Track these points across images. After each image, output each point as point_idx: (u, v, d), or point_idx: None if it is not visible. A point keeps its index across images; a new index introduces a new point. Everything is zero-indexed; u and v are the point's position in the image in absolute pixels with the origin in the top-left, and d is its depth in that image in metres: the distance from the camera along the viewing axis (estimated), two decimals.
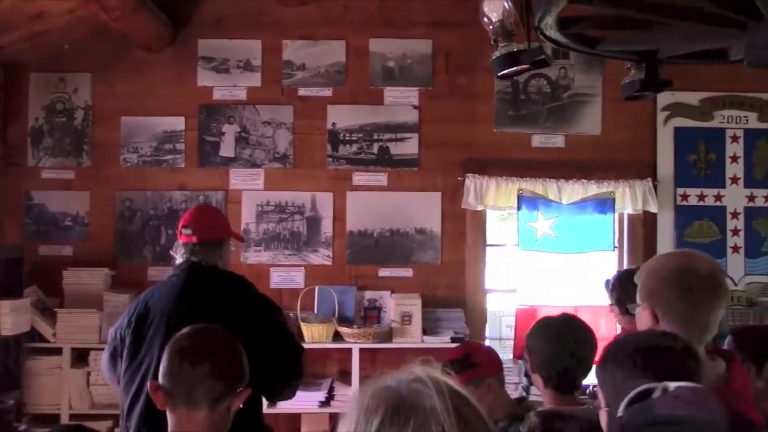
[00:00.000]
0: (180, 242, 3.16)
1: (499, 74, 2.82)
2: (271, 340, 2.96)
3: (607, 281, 3.92)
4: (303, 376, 3.17)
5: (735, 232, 5.16)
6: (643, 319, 2.04)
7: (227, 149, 5.07)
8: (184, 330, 2.18)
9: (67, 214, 5.02)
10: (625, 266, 5.16)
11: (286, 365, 3.03)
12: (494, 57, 2.78)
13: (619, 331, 3.53)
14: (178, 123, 5.05)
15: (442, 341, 4.70)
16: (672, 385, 1.41)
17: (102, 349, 3.32)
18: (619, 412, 1.44)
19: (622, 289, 3.55)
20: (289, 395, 3.16)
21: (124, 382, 2.93)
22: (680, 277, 1.99)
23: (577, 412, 2.30)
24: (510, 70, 2.78)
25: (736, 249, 5.12)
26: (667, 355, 1.65)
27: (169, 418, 2.07)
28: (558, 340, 2.49)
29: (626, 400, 1.44)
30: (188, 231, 3.11)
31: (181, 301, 2.96)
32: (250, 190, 5.06)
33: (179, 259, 3.16)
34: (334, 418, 4.65)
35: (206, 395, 2.02)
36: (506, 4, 2.76)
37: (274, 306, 3.20)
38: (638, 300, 2.07)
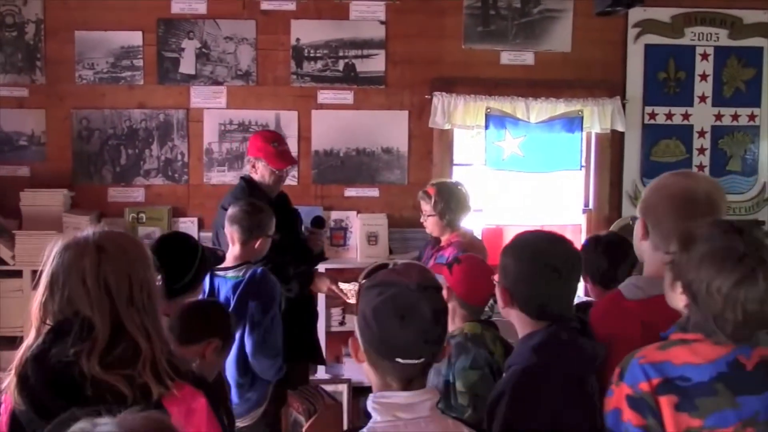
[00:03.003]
0: None
1: None
2: None
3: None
4: None
5: (701, 150, 5.17)
6: (637, 231, 2.10)
7: (188, 66, 4.89)
8: None
9: (22, 134, 4.85)
10: (592, 184, 5.17)
11: None
12: None
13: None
14: (135, 38, 4.85)
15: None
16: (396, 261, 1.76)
17: None
18: (360, 278, 1.72)
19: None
20: None
21: None
22: (674, 194, 2.04)
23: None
24: None
25: (701, 168, 5.14)
26: None
27: None
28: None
29: (365, 271, 1.73)
30: None
31: None
32: (212, 108, 4.92)
33: None
34: None
35: None
36: None
37: None
38: (637, 213, 2.13)
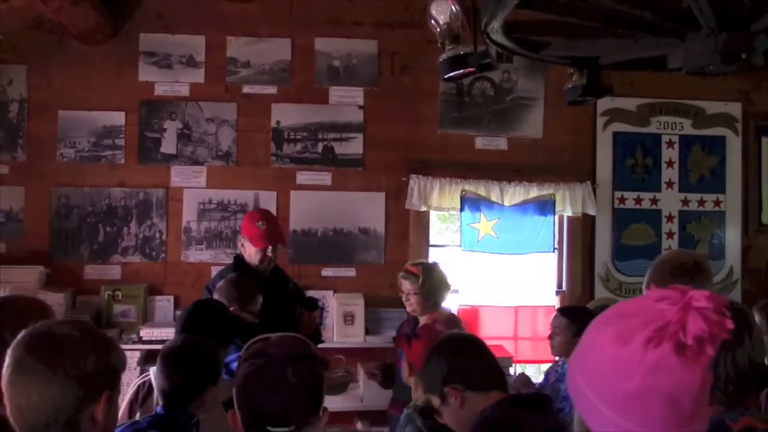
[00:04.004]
0: None
1: (446, 76, 2.85)
2: None
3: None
4: None
5: (670, 234, 5.31)
6: None
7: (169, 146, 4.98)
8: None
9: (0, 210, 4.86)
10: (565, 266, 5.27)
11: None
12: (441, 59, 2.81)
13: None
14: (118, 118, 4.94)
15: (384, 341, 4.72)
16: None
17: None
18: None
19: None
20: None
21: None
22: (665, 262, 2.53)
23: None
24: (456, 72, 2.81)
25: None
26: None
27: None
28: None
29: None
30: None
31: None
32: (192, 188, 4.98)
33: None
34: None
35: None
36: (454, 7, 2.79)
37: None
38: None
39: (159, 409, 2.43)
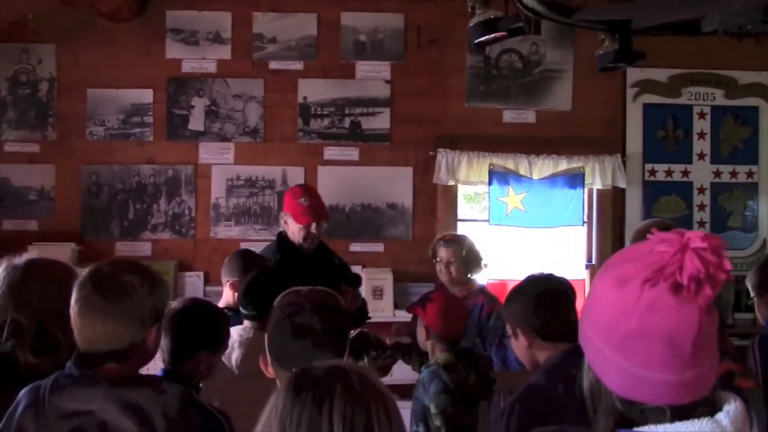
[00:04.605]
0: None
1: (477, 41, 2.82)
2: None
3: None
4: None
5: (701, 207, 5.24)
6: None
7: (197, 123, 5.00)
8: None
9: (32, 188, 4.92)
10: (594, 240, 5.22)
11: None
12: (471, 24, 2.78)
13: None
14: (146, 95, 4.96)
15: None
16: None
17: None
18: None
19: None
20: None
21: None
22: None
23: None
24: (487, 37, 2.78)
25: (702, 224, 5.21)
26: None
27: None
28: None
29: None
30: None
31: None
32: (220, 164, 5.00)
33: None
34: None
35: None
36: None
37: None
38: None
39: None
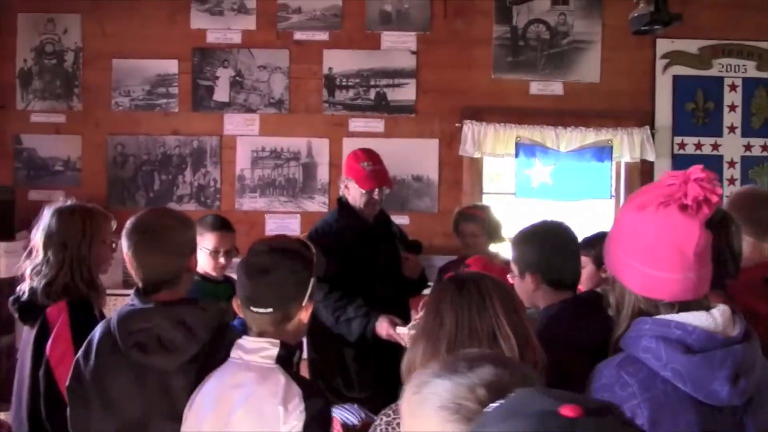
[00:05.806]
0: None
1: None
2: None
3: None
4: None
5: (731, 180, 5.16)
6: None
7: (221, 94, 4.98)
8: None
9: (58, 159, 4.93)
10: None
11: None
12: None
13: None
14: (171, 66, 4.95)
15: None
16: None
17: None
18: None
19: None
20: None
21: None
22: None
23: None
24: None
25: None
26: None
27: None
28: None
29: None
30: None
31: None
32: (245, 135, 4.98)
33: None
34: None
35: None
36: None
37: None
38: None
39: None
